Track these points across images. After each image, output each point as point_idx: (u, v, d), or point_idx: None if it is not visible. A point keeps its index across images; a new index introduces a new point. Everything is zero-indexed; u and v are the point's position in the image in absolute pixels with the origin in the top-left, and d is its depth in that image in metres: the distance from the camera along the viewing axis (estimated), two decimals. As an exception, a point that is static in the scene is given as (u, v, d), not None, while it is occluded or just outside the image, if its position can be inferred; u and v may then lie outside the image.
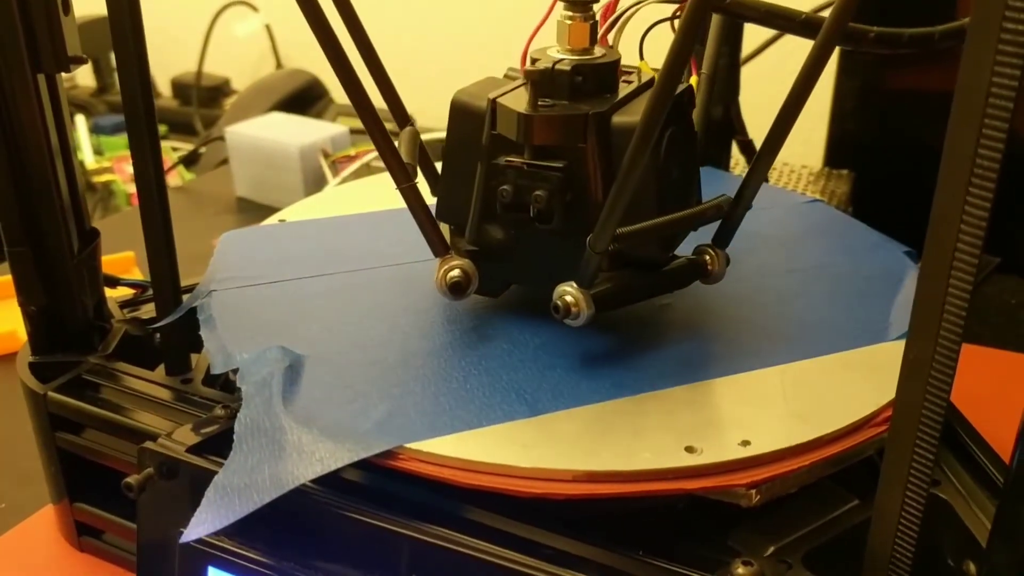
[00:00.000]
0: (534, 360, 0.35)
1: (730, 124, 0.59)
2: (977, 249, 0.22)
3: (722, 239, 0.37)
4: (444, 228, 0.38)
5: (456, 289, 0.35)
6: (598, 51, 0.36)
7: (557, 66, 0.34)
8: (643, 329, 0.37)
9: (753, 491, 0.30)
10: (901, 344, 0.25)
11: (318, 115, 0.96)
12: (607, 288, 0.35)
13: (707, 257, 0.37)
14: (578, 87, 0.35)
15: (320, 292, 0.40)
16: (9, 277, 0.39)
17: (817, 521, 0.31)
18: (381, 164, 0.82)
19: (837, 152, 0.74)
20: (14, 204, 0.38)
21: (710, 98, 0.54)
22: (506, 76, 0.38)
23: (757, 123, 0.46)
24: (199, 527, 0.30)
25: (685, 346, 0.36)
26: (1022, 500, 0.25)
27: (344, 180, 0.74)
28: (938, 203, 0.22)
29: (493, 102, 0.35)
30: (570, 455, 0.30)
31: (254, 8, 1.18)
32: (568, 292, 0.34)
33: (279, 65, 1.19)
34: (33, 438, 0.40)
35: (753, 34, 0.61)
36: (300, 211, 0.49)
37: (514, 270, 0.37)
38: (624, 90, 0.36)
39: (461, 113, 0.36)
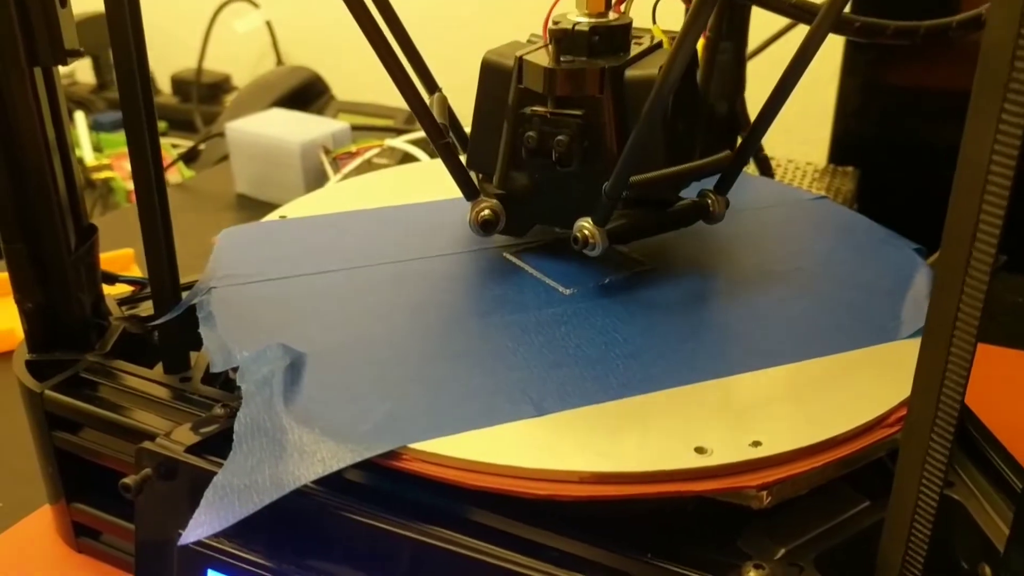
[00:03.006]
0: (539, 358, 0.35)
1: (736, 120, 0.58)
2: (992, 249, 0.22)
3: (723, 187, 0.41)
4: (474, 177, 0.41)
5: (487, 226, 0.40)
6: (612, 15, 0.39)
7: (576, 27, 0.38)
8: (650, 327, 0.37)
9: (764, 493, 0.29)
10: (912, 343, 0.24)
11: (319, 112, 0.96)
12: (621, 224, 0.39)
13: (709, 201, 0.41)
14: (595, 46, 0.38)
15: (321, 289, 0.40)
16: (6, 274, 0.39)
17: (828, 523, 0.31)
18: (383, 160, 0.81)
19: (842, 149, 0.73)
20: (10, 200, 0.37)
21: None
22: (528, 41, 0.41)
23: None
24: (198, 529, 0.29)
25: (693, 345, 0.36)
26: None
27: (345, 177, 0.73)
28: (953, 209, 0.22)
29: (520, 59, 0.39)
30: (577, 456, 0.30)
31: (255, 4, 1.18)
32: (585, 227, 0.38)
33: (280, 62, 1.19)
34: (30, 437, 0.39)
35: (759, 29, 0.60)
36: (301, 207, 0.48)
37: (537, 211, 0.41)
38: (635, 50, 0.40)
39: (491, 71, 0.40)
